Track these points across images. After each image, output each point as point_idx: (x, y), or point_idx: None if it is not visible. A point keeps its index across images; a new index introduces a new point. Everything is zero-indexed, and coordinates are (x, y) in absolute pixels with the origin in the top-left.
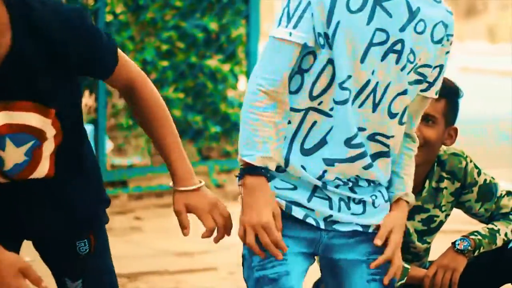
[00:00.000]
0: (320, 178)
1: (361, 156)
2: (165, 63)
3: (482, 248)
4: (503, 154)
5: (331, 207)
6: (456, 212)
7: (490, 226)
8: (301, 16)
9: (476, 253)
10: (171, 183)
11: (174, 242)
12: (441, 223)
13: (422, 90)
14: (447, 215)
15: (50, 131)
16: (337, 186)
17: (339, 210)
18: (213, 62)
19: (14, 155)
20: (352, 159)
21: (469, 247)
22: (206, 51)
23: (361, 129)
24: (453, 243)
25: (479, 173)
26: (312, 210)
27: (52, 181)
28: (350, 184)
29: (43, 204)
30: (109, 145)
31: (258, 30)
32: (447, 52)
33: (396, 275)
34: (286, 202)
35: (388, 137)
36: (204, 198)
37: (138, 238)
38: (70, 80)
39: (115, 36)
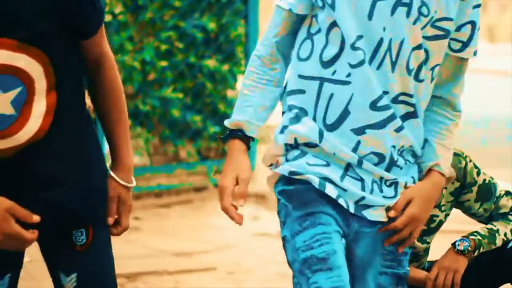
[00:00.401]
0: (354, 150)
1: (391, 118)
2: (164, 63)
3: (482, 248)
4: (503, 154)
5: (363, 189)
6: (456, 212)
7: (489, 226)
8: None
9: (476, 253)
10: (108, 164)
11: (173, 242)
12: (441, 222)
13: (456, 51)
14: (446, 215)
15: (40, 81)
16: (373, 164)
17: (372, 192)
18: (212, 62)
19: (1, 101)
20: (382, 124)
21: (469, 247)
22: (205, 51)
23: (384, 93)
24: (453, 244)
25: (478, 173)
26: (345, 190)
27: (45, 155)
28: (387, 161)
29: (34, 180)
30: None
31: (257, 30)
32: (476, 7)
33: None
34: (319, 179)
35: (411, 96)
36: (130, 199)
37: (137, 238)
38: (63, 31)
39: (114, 36)
